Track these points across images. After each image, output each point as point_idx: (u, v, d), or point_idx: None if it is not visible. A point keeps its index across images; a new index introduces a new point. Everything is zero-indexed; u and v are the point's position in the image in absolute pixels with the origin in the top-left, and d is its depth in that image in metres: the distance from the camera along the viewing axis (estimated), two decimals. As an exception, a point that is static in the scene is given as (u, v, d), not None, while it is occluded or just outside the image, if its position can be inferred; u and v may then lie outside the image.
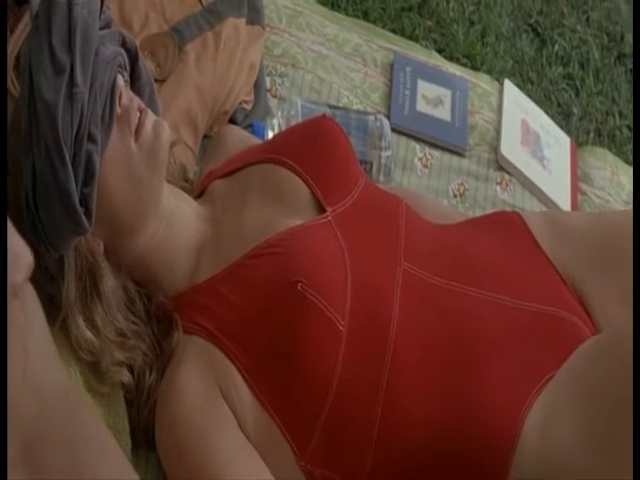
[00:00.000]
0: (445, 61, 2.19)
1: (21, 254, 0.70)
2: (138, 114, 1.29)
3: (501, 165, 1.98)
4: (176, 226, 1.34)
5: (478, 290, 1.33)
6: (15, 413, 0.71)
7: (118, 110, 1.27)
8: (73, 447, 0.87)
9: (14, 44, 1.59)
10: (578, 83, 2.41)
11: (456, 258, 1.38)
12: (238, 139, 1.61)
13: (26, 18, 1.61)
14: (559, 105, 2.35)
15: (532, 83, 2.36)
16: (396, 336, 1.25)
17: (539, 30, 2.56)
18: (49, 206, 1.19)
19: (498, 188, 1.96)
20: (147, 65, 1.43)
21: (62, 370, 0.96)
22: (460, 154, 1.98)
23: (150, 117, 1.29)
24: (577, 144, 2.20)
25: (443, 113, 2.02)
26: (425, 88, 2.04)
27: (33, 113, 1.20)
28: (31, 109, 1.20)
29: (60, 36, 1.21)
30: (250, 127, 1.74)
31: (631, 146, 2.33)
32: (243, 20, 1.83)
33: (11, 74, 1.57)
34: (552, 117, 2.21)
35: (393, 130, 1.88)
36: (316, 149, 1.41)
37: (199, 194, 1.45)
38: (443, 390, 1.24)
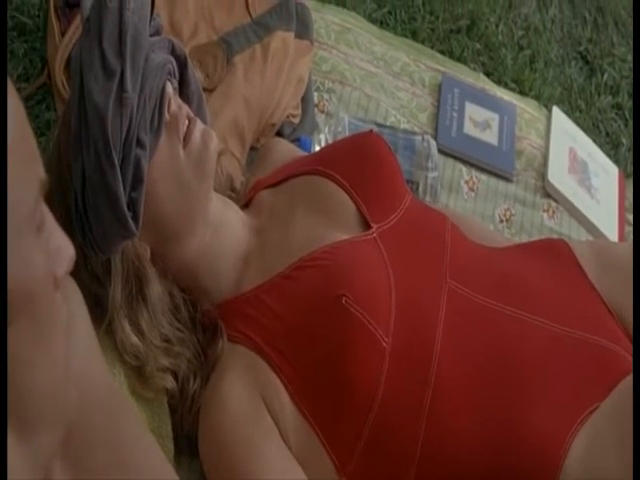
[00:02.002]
0: (493, 85, 2.17)
1: (63, 247, 0.71)
2: (186, 122, 1.28)
3: (548, 192, 1.96)
4: (223, 234, 1.33)
5: (524, 313, 1.32)
6: (56, 402, 0.70)
7: (167, 117, 1.26)
8: (116, 446, 0.87)
9: (65, 47, 1.60)
10: (627, 113, 2.37)
11: (502, 280, 1.37)
12: (285, 151, 1.60)
13: (77, 21, 1.61)
14: (607, 135, 2.31)
15: (580, 111, 2.32)
16: (440, 354, 1.25)
17: (588, 58, 2.52)
18: (97, 209, 1.19)
19: (545, 215, 1.93)
20: (196, 74, 1.42)
21: (105, 370, 0.96)
22: (507, 179, 1.95)
23: (199, 126, 1.29)
24: (625, 175, 2.16)
25: (490, 137, 1.99)
26: (473, 111, 2.02)
27: (83, 116, 1.20)
28: (81, 112, 1.20)
29: (111, 41, 1.21)
30: (297, 141, 1.73)
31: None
32: (292, 34, 1.83)
33: (61, 76, 1.57)
34: (600, 146, 2.18)
35: (440, 151, 1.86)
36: (363, 164, 1.41)
37: (245, 204, 1.45)
38: (488, 410, 1.23)
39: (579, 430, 1.22)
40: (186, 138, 1.27)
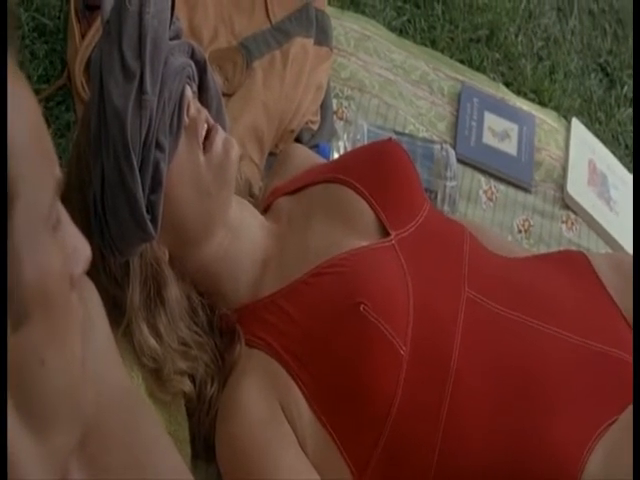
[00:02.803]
0: (512, 95, 2.16)
1: (79, 248, 0.70)
2: (206, 126, 1.28)
3: (567, 204, 1.95)
4: (242, 239, 1.33)
5: (542, 323, 1.31)
6: (72, 402, 0.70)
7: (186, 120, 1.26)
8: (133, 447, 0.86)
9: (85, 49, 1.60)
10: (647, 126, 2.35)
11: (521, 290, 1.36)
12: (303, 157, 1.60)
13: (97, 24, 1.61)
14: (627, 147, 2.29)
15: (600, 123, 2.31)
16: (458, 363, 1.24)
17: (608, 70, 2.51)
18: (116, 211, 1.19)
19: (564, 227, 1.92)
20: (215, 79, 1.41)
21: (123, 371, 0.95)
22: (525, 189, 1.94)
23: (220, 134, 1.28)
24: (645, 188, 2.14)
25: (510, 147, 1.98)
26: (492, 121, 2.01)
27: (103, 118, 1.19)
28: (101, 113, 1.20)
29: (131, 43, 1.21)
30: (316, 147, 1.73)
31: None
32: (311, 40, 1.82)
33: (81, 78, 1.57)
34: (620, 159, 2.16)
35: (458, 161, 1.85)
36: (381, 172, 1.40)
37: (264, 210, 1.44)
38: (505, 420, 1.22)
39: (597, 443, 1.21)
40: (207, 145, 1.26)
